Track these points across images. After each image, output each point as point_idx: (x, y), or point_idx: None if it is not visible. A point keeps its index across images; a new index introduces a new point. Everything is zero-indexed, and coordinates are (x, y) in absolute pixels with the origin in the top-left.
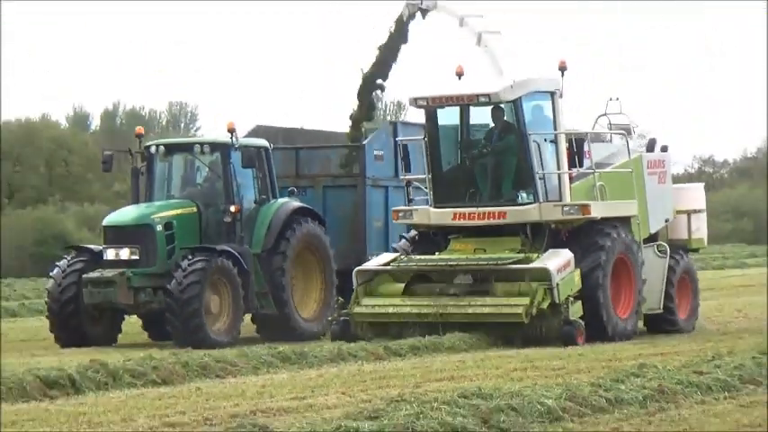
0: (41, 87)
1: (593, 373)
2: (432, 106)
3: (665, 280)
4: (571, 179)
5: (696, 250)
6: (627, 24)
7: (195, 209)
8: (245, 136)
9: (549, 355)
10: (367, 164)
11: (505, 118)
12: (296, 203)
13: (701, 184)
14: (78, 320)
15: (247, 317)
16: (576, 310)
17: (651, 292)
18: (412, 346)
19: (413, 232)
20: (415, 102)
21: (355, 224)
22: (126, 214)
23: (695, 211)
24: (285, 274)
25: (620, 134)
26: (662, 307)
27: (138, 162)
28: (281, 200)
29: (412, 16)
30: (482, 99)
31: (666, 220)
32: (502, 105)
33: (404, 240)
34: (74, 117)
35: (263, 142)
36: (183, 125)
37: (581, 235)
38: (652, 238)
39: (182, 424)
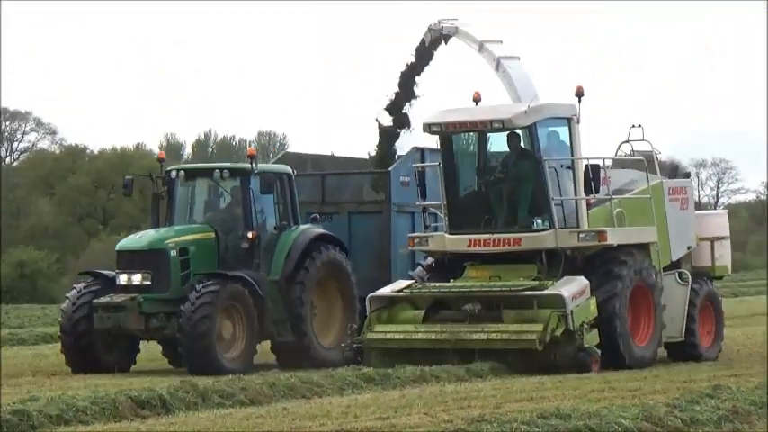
0: (136, 117)
1: (668, 395)
2: (445, 132)
3: (686, 308)
4: (589, 205)
5: (720, 278)
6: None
7: (213, 234)
8: (273, 162)
9: (626, 377)
10: (393, 190)
11: (522, 144)
12: (317, 230)
13: (725, 211)
14: (91, 346)
15: (266, 344)
16: (591, 338)
17: (672, 319)
18: (492, 367)
19: (429, 259)
20: (428, 128)
21: (380, 251)
22: (139, 239)
23: (719, 238)
24: (304, 302)
25: (638, 160)
26: (683, 335)
27: (159, 187)
28: (302, 227)
29: (435, 42)
30: (495, 125)
31: (689, 248)
32: (518, 132)
33: (420, 267)
34: (167, 146)
35: (284, 168)
36: (271, 155)
37: (598, 262)
38: (675, 266)
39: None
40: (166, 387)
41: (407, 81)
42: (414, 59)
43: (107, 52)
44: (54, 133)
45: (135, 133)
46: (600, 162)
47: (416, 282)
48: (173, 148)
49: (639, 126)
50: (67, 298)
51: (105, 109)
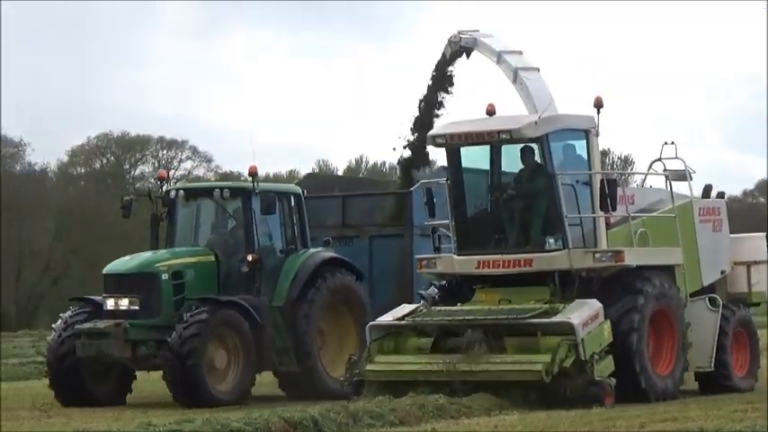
0: (290, 143)
1: None
2: (451, 144)
3: (716, 335)
4: (609, 225)
5: (757, 304)
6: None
7: (213, 257)
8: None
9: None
10: (414, 212)
11: (536, 159)
12: (327, 254)
13: (763, 234)
14: (78, 377)
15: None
16: (605, 367)
17: (702, 348)
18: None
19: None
20: (433, 140)
21: (402, 275)
22: (128, 261)
23: (755, 263)
24: (309, 329)
25: (664, 177)
26: (713, 365)
27: (159, 208)
28: (312, 250)
29: (456, 55)
30: (503, 136)
31: (723, 272)
32: (533, 146)
33: (433, 287)
34: (320, 172)
35: (291, 188)
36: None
37: (615, 284)
38: (708, 291)
39: None
40: (318, 409)
41: (428, 107)
42: (434, 77)
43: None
44: (210, 161)
45: (286, 160)
46: (617, 177)
47: (422, 307)
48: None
49: (672, 143)
50: (53, 329)
51: (251, 134)
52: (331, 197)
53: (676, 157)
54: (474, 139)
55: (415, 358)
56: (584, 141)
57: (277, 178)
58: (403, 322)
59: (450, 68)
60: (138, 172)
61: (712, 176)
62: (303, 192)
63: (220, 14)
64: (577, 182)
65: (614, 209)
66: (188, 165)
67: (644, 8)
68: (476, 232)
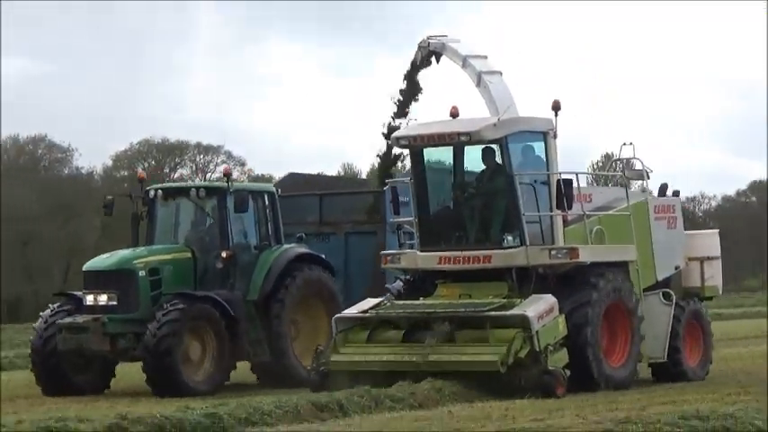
0: (318, 146)
1: None
2: (413, 145)
3: (669, 328)
4: (567, 223)
5: (710, 298)
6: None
7: (190, 254)
8: (276, 183)
9: (761, 382)
10: (387, 210)
11: (496, 159)
12: (300, 250)
13: (716, 231)
14: (60, 368)
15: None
16: (559, 358)
17: (655, 340)
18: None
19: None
20: (397, 141)
21: (376, 269)
22: (107, 259)
23: (709, 259)
24: (282, 322)
25: (619, 177)
26: (666, 356)
27: (139, 207)
28: (285, 246)
29: (426, 60)
30: (463, 138)
31: (677, 267)
32: (493, 147)
33: (399, 281)
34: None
35: (265, 187)
36: None
37: (571, 280)
38: (663, 285)
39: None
40: (344, 393)
41: (402, 104)
42: (406, 80)
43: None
44: (243, 164)
45: (313, 162)
46: (572, 177)
47: (385, 300)
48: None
49: (631, 144)
50: (41, 317)
51: (283, 139)
52: (309, 195)
53: (634, 158)
54: (436, 140)
55: (378, 349)
56: (543, 143)
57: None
58: (366, 315)
59: (418, 76)
60: (177, 175)
61: (709, 177)
62: (277, 191)
63: (252, 29)
64: (536, 181)
65: (570, 208)
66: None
67: (646, 8)
68: (438, 229)
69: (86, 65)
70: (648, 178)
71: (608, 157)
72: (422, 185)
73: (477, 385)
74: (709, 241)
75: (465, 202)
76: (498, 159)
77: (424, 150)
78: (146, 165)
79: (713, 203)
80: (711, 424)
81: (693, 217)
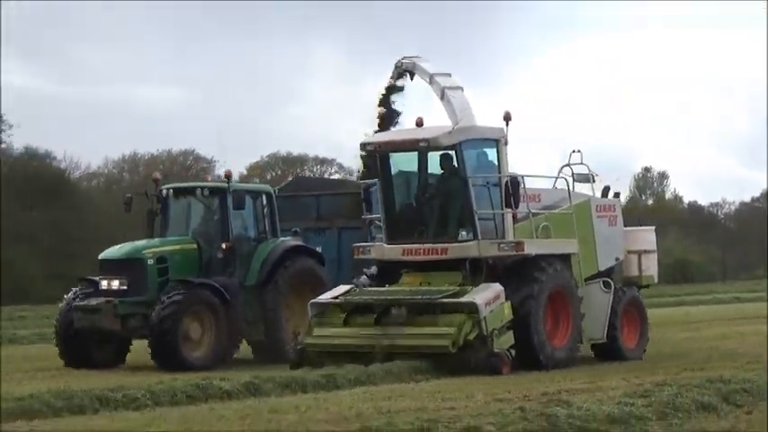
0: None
1: None
2: (378, 151)
3: (608, 312)
4: (516, 219)
5: (647, 286)
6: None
7: (195, 245)
8: (281, 187)
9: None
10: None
11: (453, 164)
12: (294, 242)
13: (653, 228)
14: (80, 345)
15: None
16: (505, 341)
17: (596, 323)
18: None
19: (374, 267)
20: (364, 147)
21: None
22: (119, 249)
23: (646, 252)
24: (276, 305)
25: (563, 179)
26: (605, 337)
27: (154, 204)
28: (281, 239)
29: (400, 76)
30: (422, 144)
31: (617, 259)
32: (450, 153)
33: (364, 276)
34: (346, 179)
35: (263, 187)
36: None
37: (517, 270)
38: (605, 275)
39: (509, 400)
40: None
41: (383, 114)
42: (383, 93)
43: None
44: (351, 174)
45: None
46: (518, 178)
47: (355, 287)
48: None
49: (579, 151)
50: (65, 299)
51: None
52: (308, 196)
53: (581, 163)
54: (398, 146)
55: (347, 332)
56: (495, 149)
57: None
58: (336, 300)
59: (393, 99)
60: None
61: (726, 185)
62: (274, 191)
63: (363, 61)
64: (488, 183)
65: (517, 206)
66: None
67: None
68: (402, 225)
69: (224, 91)
70: (594, 182)
71: (647, 169)
72: (388, 186)
73: (431, 365)
74: (646, 237)
75: (426, 201)
76: (455, 163)
77: (392, 156)
78: (273, 173)
79: (732, 208)
80: (732, 386)
81: (714, 219)
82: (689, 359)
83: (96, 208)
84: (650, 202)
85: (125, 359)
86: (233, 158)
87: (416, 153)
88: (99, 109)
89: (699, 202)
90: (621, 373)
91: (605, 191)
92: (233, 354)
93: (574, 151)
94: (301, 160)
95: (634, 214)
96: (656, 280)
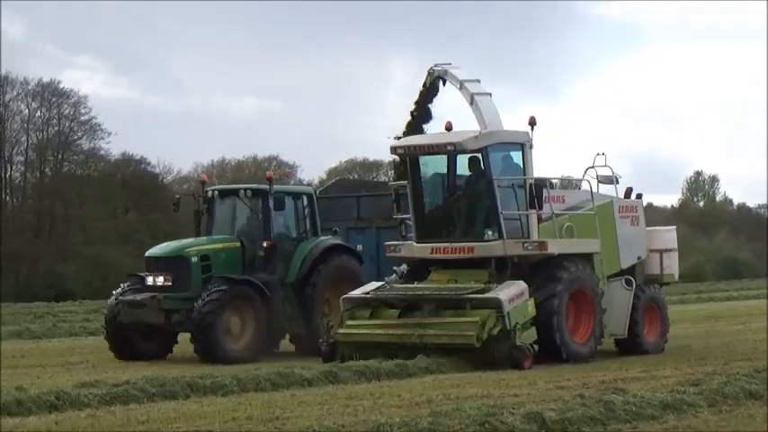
0: None
1: None
2: (408, 154)
3: (629, 309)
4: (541, 220)
5: (668, 283)
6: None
7: (239, 244)
8: (325, 189)
9: None
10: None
11: (481, 167)
12: (333, 241)
13: (674, 227)
14: (127, 338)
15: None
16: (528, 336)
17: (618, 319)
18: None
19: (404, 266)
20: (394, 150)
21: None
22: (164, 247)
23: (667, 251)
24: (314, 301)
25: (586, 182)
26: (626, 332)
27: (201, 205)
28: (321, 238)
29: (434, 83)
30: (449, 148)
31: (639, 258)
32: (478, 156)
33: (394, 275)
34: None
35: (304, 189)
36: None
37: (541, 268)
38: (628, 272)
39: (569, 387)
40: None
41: (416, 120)
42: (417, 100)
43: None
44: None
45: None
46: (541, 181)
47: (386, 284)
48: None
49: (603, 154)
50: (114, 294)
51: None
52: (350, 197)
53: (605, 165)
54: (426, 150)
55: (377, 326)
56: (521, 152)
57: None
58: (367, 296)
59: (430, 103)
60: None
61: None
62: (315, 192)
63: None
64: (513, 185)
65: (540, 207)
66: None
67: None
68: (431, 225)
69: (305, 102)
70: (617, 183)
71: (698, 173)
72: (418, 188)
73: (457, 359)
74: (667, 236)
75: (453, 202)
76: (482, 166)
77: (421, 158)
78: (351, 177)
79: None
80: None
81: (761, 219)
82: (737, 350)
83: (186, 209)
84: (701, 204)
85: (171, 351)
86: (313, 163)
87: (445, 156)
88: (189, 118)
89: (747, 204)
90: (674, 364)
91: (628, 192)
92: (278, 346)
93: (598, 154)
94: (376, 165)
95: (685, 215)
96: (677, 277)
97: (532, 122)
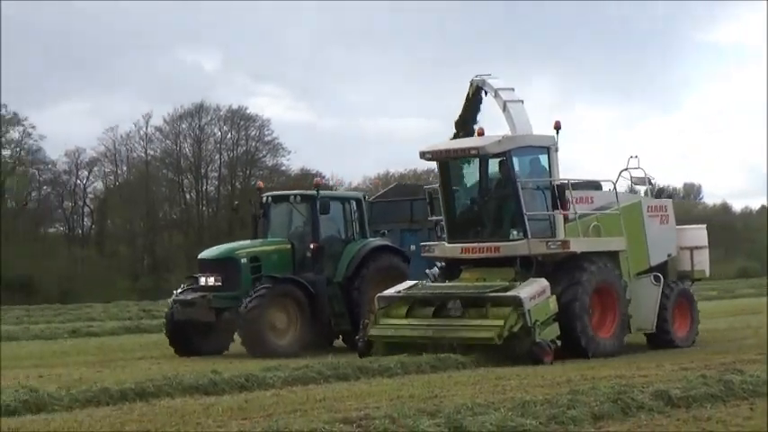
0: None
1: None
2: (435, 158)
3: (657, 304)
4: (567, 220)
5: (699, 280)
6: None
7: (290, 246)
8: (380, 193)
9: None
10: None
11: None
12: (380, 242)
13: (704, 226)
14: (184, 335)
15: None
16: (550, 332)
17: (646, 314)
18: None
19: (436, 264)
20: (423, 155)
21: None
22: (215, 250)
23: (697, 248)
24: (360, 299)
25: (604, 182)
26: (655, 327)
27: (257, 210)
28: (368, 240)
29: (476, 92)
30: (473, 152)
31: (669, 255)
32: (506, 159)
33: (435, 267)
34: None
35: (353, 194)
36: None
37: (566, 266)
38: (659, 269)
39: (692, 368)
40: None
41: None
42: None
43: None
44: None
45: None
46: (564, 183)
47: (419, 283)
48: None
49: (636, 156)
50: (174, 293)
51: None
52: (404, 200)
53: (638, 167)
54: (452, 154)
55: (406, 323)
56: (546, 156)
57: None
58: (400, 294)
59: (474, 108)
60: None
61: None
62: (364, 197)
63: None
64: (538, 188)
65: (563, 208)
66: None
67: None
68: (461, 226)
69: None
70: (650, 185)
71: None
72: (448, 191)
73: (480, 354)
74: (697, 234)
75: (482, 204)
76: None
77: (451, 164)
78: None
79: None
80: None
81: None
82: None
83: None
84: None
85: (228, 348)
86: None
87: (478, 160)
88: (359, 137)
89: None
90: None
91: (659, 192)
92: (332, 342)
93: (632, 156)
94: None
95: None
96: (707, 274)
97: (557, 127)
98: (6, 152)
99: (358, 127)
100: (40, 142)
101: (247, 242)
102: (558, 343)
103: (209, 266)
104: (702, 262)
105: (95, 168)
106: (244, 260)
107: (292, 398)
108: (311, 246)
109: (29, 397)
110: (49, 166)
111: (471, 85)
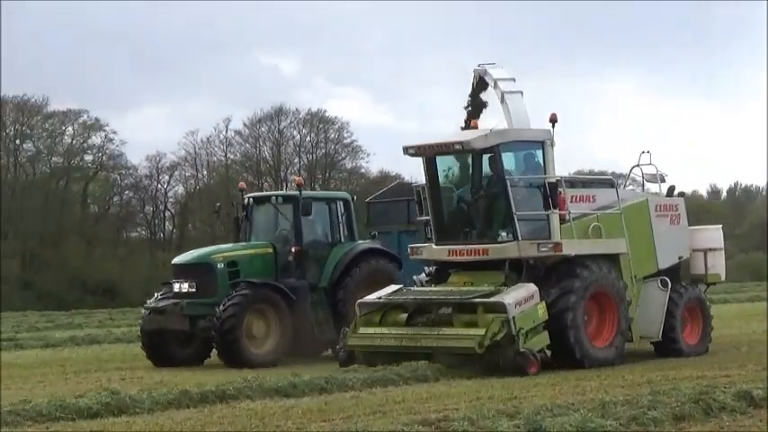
0: None
1: None
2: (418, 154)
3: (665, 311)
4: (564, 220)
5: (714, 283)
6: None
7: (271, 249)
8: (377, 194)
9: None
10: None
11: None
12: (368, 245)
13: (719, 226)
14: (164, 345)
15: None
16: (538, 341)
17: (651, 320)
18: None
19: (426, 267)
20: (406, 150)
21: None
22: (189, 255)
23: (711, 250)
24: (345, 305)
25: (607, 180)
26: (660, 335)
27: (239, 212)
28: (356, 242)
29: (479, 83)
30: (457, 147)
31: (680, 257)
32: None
33: (423, 273)
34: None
35: (340, 195)
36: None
37: (558, 271)
38: (668, 273)
39: (738, 375)
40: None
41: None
42: (469, 100)
43: None
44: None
45: None
46: (557, 180)
47: (403, 288)
48: None
49: (648, 152)
50: (147, 302)
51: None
52: (400, 201)
53: (650, 164)
54: (436, 150)
55: (384, 331)
56: (541, 151)
57: None
58: (381, 300)
59: (478, 98)
60: None
61: None
62: (352, 197)
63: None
64: (531, 185)
65: (555, 207)
66: None
67: None
68: (449, 227)
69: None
70: (663, 181)
71: None
72: (435, 189)
73: (459, 364)
74: (712, 235)
75: (471, 203)
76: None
77: (439, 160)
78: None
79: None
80: None
81: None
82: None
83: None
84: None
85: (209, 356)
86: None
87: (470, 157)
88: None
89: None
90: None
91: (670, 190)
92: (320, 351)
93: (643, 152)
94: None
95: None
96: (723, 277)
97: (553, 120)
98: (89, 157)
99: (433, 129)
100: (121, 147)
101: (226, 246)
102: (548, 353)
103: (183, 272)
104: (717, 265)
105: (176, 173)
106: (220, 265)
107: (372, 400)
108: (292, 249)
109: (111, 399)
110: (131, 170)
111: (473, 75)
